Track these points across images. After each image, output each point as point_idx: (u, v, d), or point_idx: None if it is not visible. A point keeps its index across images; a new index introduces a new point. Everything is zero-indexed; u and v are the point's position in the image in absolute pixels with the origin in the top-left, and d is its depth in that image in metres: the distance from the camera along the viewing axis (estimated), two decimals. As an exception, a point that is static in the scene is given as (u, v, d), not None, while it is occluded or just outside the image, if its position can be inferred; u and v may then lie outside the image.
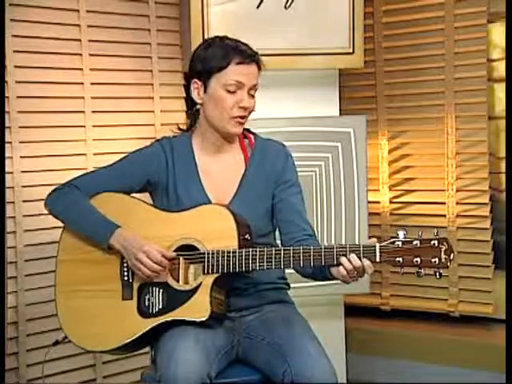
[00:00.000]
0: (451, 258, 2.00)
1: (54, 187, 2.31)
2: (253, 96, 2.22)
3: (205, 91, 2.22)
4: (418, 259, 2.00)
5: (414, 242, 2.01)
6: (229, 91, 2.18)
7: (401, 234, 2.03)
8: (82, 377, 3.04)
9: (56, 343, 2.47)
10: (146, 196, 2.33)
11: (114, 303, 2.20)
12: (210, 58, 2.19)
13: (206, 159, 2.29)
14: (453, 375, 3.31)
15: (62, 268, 2.27)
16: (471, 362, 3.29)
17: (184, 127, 2.38)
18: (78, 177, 2.33)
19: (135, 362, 3.06)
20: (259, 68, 2.23)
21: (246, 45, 2.23)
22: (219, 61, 2.17)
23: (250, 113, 2.23)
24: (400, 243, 2.02)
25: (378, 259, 2.01)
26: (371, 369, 3.54)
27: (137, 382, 2.97)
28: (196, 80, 2.23)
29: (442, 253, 2.00)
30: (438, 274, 2.01)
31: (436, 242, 2.00)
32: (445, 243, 2.00)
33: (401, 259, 2.01)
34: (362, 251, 2.02)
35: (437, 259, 2.00)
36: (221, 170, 2.29)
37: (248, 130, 2.34)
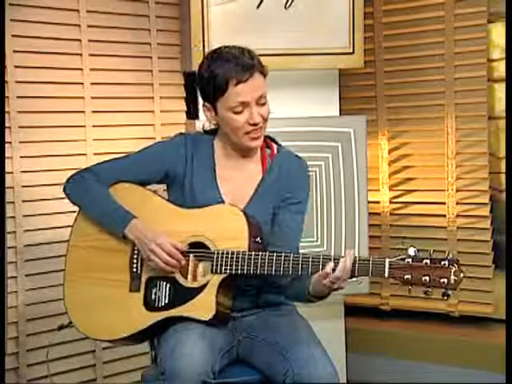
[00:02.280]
0: (460, 279, 1.99)
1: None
2: (263, 104, 2.16)
3: (215, 113, 2.19)
4: (427, 278, 1.98)
5: (424, 261, 1.99)
6: (236, 112, 2.14)
7: (411, 250, 2.00)
8: (82, 377, 3.03)
9: (61, 328, 2.46)
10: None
11: (120, 294, 2.19)
12: (210, 82, 2.14)
13: (226, 163, 2.27)
14: (453, 375, 3.31)
15: (72, 252, 2.27)
16: (471, 362, 3.29)
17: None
18: (98, 164, 2.31)
19: (135, 362, 3.07)
20: (263, 74, 2.16)
21: (243, 54, 2.15)
22: (219, 84, 2.12)
23: (265, 121, 2.18)
24: (410, 260, 1.99)
25: (386, 275, 2.00)
26: (371, 369, 3.54)
27: (137, 382, 2.97)
28: (205, 103, 2.21)
29: (452, 274, 1.98)
30: (446, 295, 1.99)
31: (446, 262, 1.99)
32: (455, 264, 1.99)
33: (409, 276, 1.99)
34: (371, 266, 2.00)
35: (446, 280, 1.98)
36: (238, 176, 2.27)
37: (273, 140, 2.31)
